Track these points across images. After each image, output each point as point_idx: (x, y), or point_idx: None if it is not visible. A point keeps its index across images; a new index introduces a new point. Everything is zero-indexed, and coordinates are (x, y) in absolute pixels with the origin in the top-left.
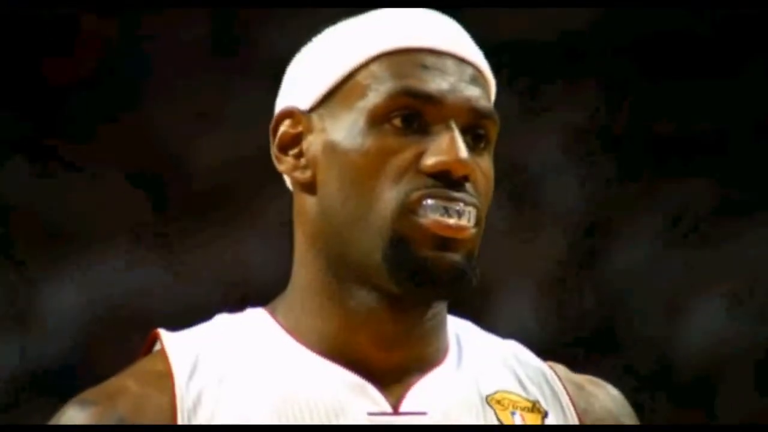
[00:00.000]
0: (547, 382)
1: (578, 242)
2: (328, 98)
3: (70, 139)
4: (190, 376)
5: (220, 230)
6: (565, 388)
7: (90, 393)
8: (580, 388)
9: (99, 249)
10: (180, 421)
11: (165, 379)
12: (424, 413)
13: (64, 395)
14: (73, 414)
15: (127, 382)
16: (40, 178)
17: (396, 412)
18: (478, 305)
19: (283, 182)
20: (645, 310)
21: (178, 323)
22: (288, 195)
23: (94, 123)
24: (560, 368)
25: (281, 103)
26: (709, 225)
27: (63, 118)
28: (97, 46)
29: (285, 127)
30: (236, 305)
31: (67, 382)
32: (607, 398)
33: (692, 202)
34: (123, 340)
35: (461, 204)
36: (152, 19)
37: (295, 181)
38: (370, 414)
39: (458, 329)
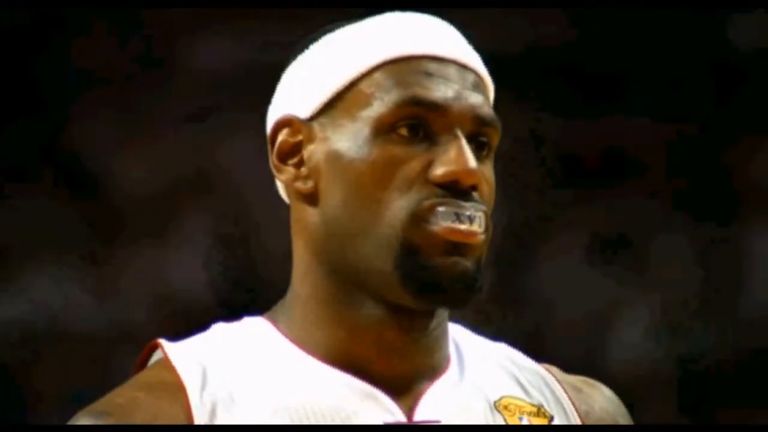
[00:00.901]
0: (548, 385)
1: (502, 259)
2: (329, 107)
3: None
4: (202, 388)
5: (148, 248)
6: (565, 391)
7: (100, 404)
8: (578, 390)
9: (28, 267)
10: None
11: (177, 390)
12: (438, 422)
13: None
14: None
15: (137, 393)
16: None
17: (410, 421)
18: None
19: (206, 201)
20: (568, 325)
21: (106, 340)
22: (213, 213)
23: (23, 142)
24: (555, 370)
25: (277, 112)
26: (630, 243)
27: None
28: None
29: (284, 135)
30: (164, 321)
31: None
32: (603, 399)
33: (615, 219)
34: (52, 356)
35: (471, 210)
36: (79, 40)
37: (295, 191)
38: (386, 424)
39: (455, 334)
